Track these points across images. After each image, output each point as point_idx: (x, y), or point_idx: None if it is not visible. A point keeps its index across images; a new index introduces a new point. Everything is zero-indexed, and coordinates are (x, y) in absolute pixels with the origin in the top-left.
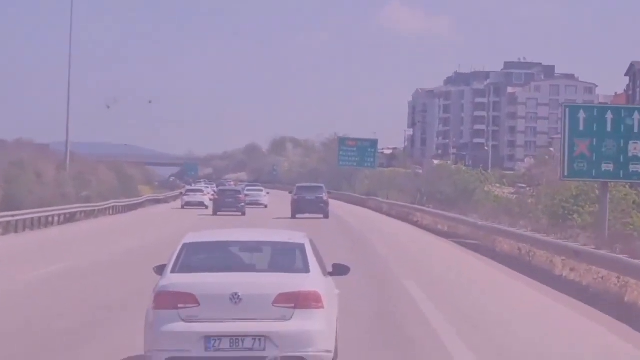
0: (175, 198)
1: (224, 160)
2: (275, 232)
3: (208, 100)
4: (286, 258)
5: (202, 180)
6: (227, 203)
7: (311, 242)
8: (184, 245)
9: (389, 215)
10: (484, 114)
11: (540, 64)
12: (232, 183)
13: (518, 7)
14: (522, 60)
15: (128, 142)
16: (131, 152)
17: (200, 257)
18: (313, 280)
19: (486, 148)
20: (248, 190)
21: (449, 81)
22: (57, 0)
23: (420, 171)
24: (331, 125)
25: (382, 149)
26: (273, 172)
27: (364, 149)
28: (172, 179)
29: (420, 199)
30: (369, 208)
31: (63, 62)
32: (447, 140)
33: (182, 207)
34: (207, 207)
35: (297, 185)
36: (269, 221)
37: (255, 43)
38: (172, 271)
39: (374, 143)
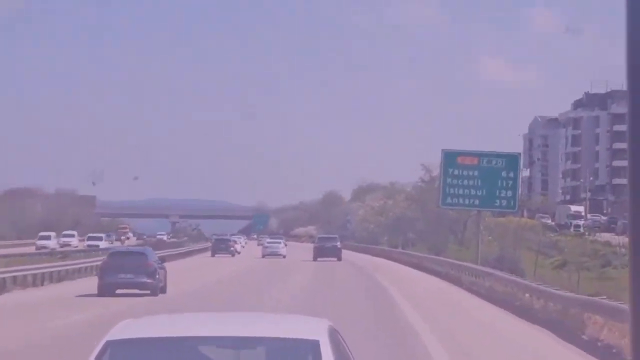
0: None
1: (297, 212)
2: (274, 318)
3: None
4: None
5: (236, 234)
6: (221, 248)
7: (332, 333)
8: (107, 344)
9: None
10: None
11: None
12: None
13: None
14: None
15: (202, 196)
16: (196, 206)
17: None
18: None
19: None
20: (268, 242)
21: (578, 105)
22: None
23: (551, 222)
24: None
25: None
26: (347, 224)
27: (494, 173)
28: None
29: None
30: None
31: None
32: (578, 182)
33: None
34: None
35: (318, 236)
36: (297, 263)
37: (350, 92)
38: None
39: (513, 160)
